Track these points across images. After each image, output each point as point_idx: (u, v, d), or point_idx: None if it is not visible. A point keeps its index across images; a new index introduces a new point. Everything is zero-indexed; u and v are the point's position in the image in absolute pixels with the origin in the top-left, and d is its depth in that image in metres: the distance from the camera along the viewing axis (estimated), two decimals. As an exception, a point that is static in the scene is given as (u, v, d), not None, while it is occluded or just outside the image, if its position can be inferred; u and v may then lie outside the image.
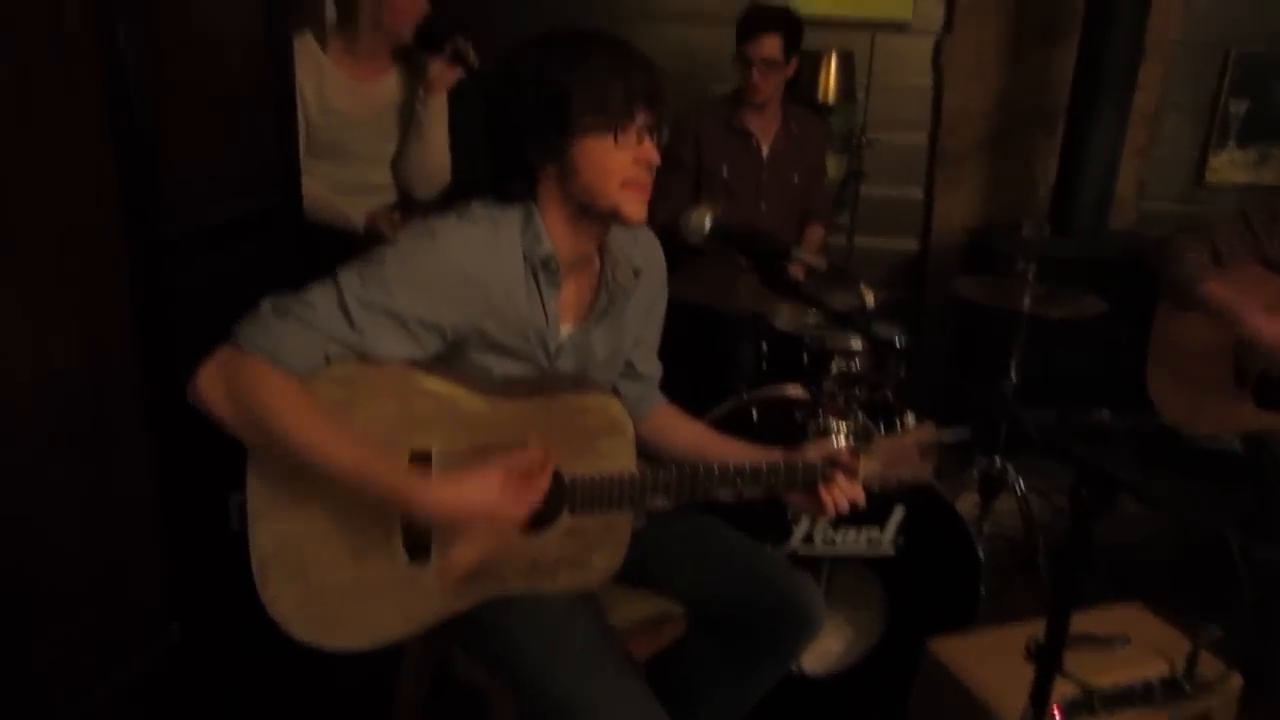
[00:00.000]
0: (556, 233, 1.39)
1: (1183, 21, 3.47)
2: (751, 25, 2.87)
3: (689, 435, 1.66)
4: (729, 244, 1.42)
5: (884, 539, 2.11)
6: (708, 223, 1.42)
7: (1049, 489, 3.15)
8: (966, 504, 2.89)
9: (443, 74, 2.39)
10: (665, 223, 2.77)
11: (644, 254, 1.56)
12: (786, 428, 2.26)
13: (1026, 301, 2.54)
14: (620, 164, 1.35)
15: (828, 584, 2.16)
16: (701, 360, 2.73)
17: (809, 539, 2.09)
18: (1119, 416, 3.30)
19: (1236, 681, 1.82)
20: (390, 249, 1.33)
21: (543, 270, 1.39)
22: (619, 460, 1.41)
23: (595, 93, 1.31)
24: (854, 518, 2.04)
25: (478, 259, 1.34)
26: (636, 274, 1.52)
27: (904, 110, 3.61)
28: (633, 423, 1.45)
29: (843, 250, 3.65)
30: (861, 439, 2.17)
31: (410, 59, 2.44)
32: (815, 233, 3.22)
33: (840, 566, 2.14)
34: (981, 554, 2.15)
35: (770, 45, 2.86)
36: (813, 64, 3.33)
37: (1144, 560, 2.94)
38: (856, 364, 2.26)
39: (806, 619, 1.58)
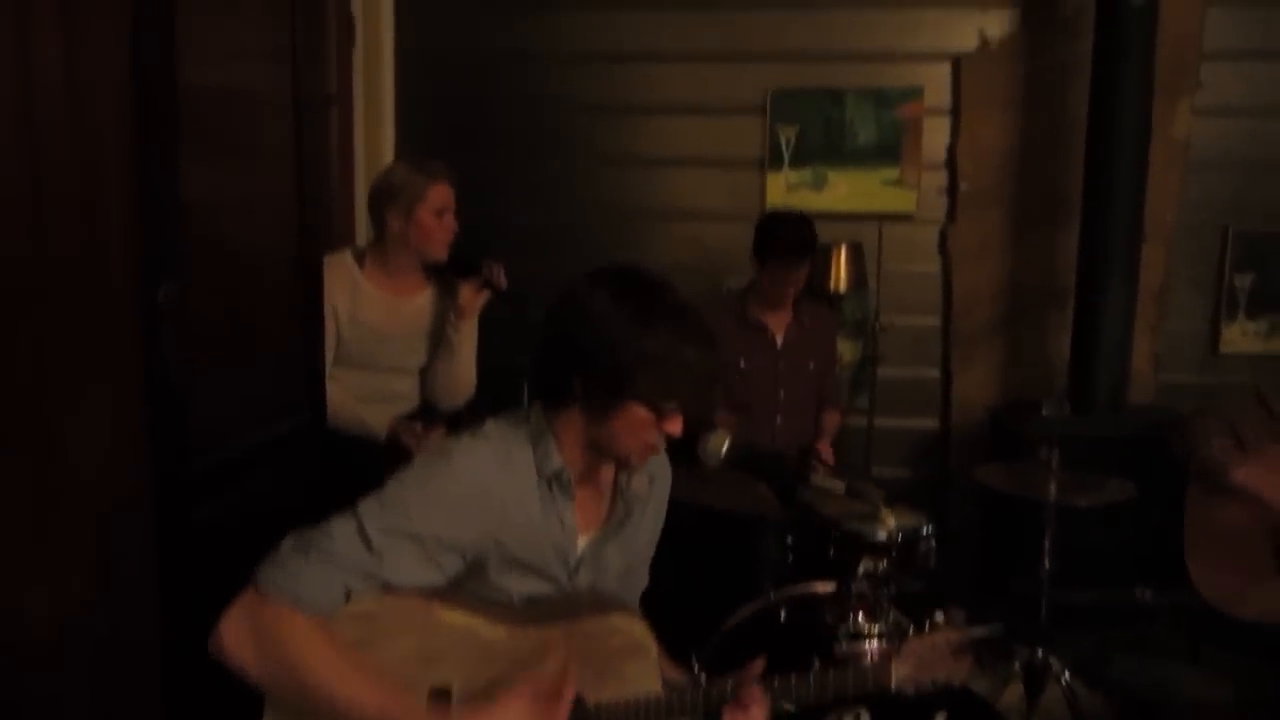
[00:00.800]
0: (568, 452, 1.42)
1: (1179, 203, 3.59)
2: (783, 249, 2.96)
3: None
4: (746, 468, 1.43)
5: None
6: (724, 448, 1.44)
7: (1098, 668, 3.04)
8: (1013, 696, 2.78)
9: (473, 300, 2.48)
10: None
11: (656, 460, 1.56)
12: (817, 628, 2.20)
13: (1052, 490, 2.51)
14: (652, 436, 1.38)
15: None
16: (724, 557, 2.69)
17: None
18: (1160, 594, 3.20)
19: None
20: (408, 473, 1.36)
21: (555, 483, 1.41)
22: (644, 683, 1.39)
23: (662, 377, 1.32)
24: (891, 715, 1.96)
25: (491, 474, 1.36)
26: (651, 480, 1.53)
27: (915, 295, 3.70)
28: None
29: (864, 433, 3.66)
30: (894, 639, 2.12)
31: (445, 277, 2.54)
32: (833, 419, 3.28)
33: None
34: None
35: (803, 273, 2.99)
36: (824, 256, 3.45)
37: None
38: (885, 561, 2.22)
39: None
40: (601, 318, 1.33)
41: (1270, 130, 3.58)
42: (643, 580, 1.66)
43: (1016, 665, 2.75)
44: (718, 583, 2.63)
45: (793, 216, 3.08)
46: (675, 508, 1.68)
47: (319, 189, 1.94)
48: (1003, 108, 3.59)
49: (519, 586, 1.41)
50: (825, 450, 3.13)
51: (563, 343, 1.38)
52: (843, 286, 3.48)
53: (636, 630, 1.41)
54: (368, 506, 1.31)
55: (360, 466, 1.35)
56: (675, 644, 2.08)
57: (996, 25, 3.57)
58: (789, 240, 2.96)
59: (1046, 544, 2.63)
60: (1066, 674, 2.70)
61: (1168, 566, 2.60)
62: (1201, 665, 3.12)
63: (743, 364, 3.07)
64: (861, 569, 2.17)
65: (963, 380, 3.71)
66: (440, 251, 2.44)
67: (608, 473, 1.51)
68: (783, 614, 2.33)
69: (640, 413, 1.35)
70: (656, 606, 1.68)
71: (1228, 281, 3.61)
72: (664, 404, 1.35)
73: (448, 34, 3.73)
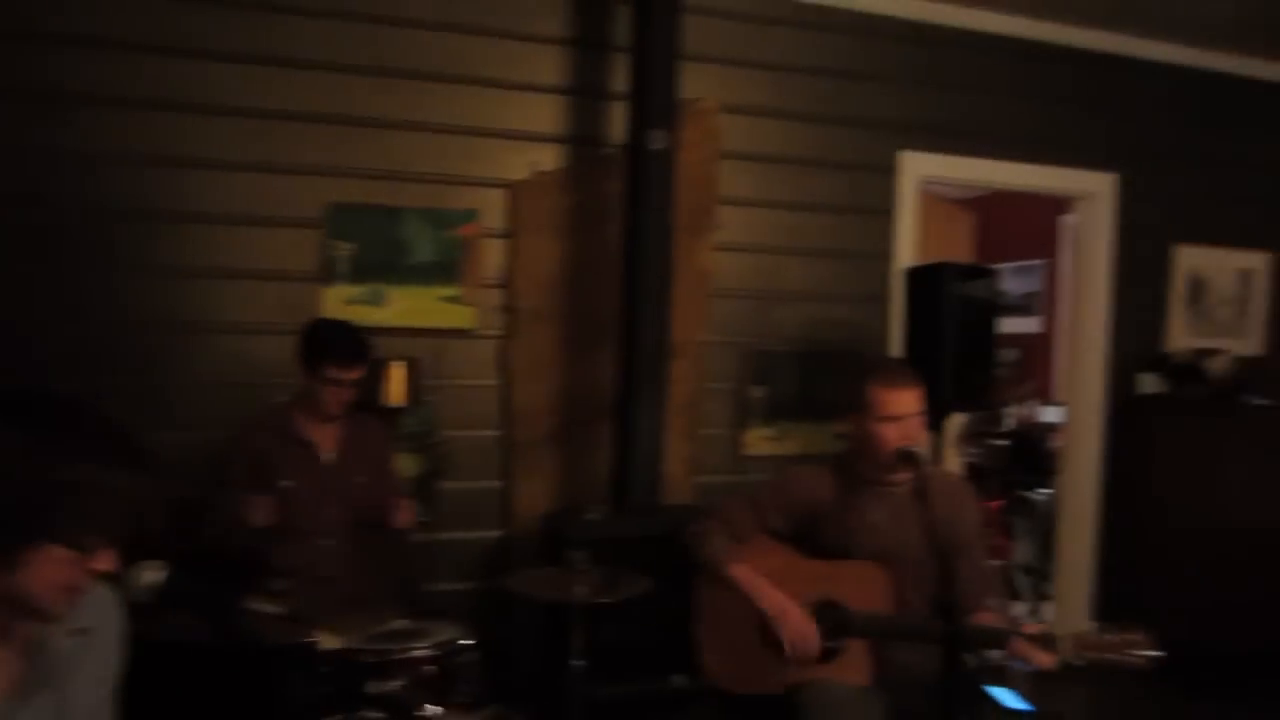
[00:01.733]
0: None
1: (706, 326, 4.08)
2: (333, 352, 2.91)
3: None
4: (183, 605, 1.34)
5: None
6: (151, 579, 1.34)
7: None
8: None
9: None
10: (218, 525, 2.57)
11: (95, 611, 1.41)
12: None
13: (580, 591, 2.66)
14: (76, 575, 1.25)
15: None
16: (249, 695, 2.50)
17: None
18: (694, 679, 3.49)
19: None
20: None
21: None
22: None
23: (83, 509, 1.21)
24: None
25: None
26: (86, 632, 1.37)
27: (475, 408, 3.81)
28: None
29: (427, 548, 3.66)
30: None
31: None
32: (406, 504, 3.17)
33: None
34: None
35: (354, 378, 2.94)
36: (377, 370, 3.45)
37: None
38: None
39: None
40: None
41: (775, 265, 4.23)
42: None
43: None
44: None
45: (342, 323, 3.07)
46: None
47: None
48: (554, 234, 3.88)
49: None
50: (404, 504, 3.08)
51: None
52: (398, 400, 3.49)
53: None
54: None
55: None
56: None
57: (547, 158, 3.88)
58: (339, 343, 2.94)
59: (579, 643, 2.77)
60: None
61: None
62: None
63: (284, 482, 2.95)
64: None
65: (522, 490, 3.85)
66: None
67: (22, 629, 1.33)
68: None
69: (58, 553, 1.22)
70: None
71: (747, 393, 4.16)
72: (87, 539, 1.23)
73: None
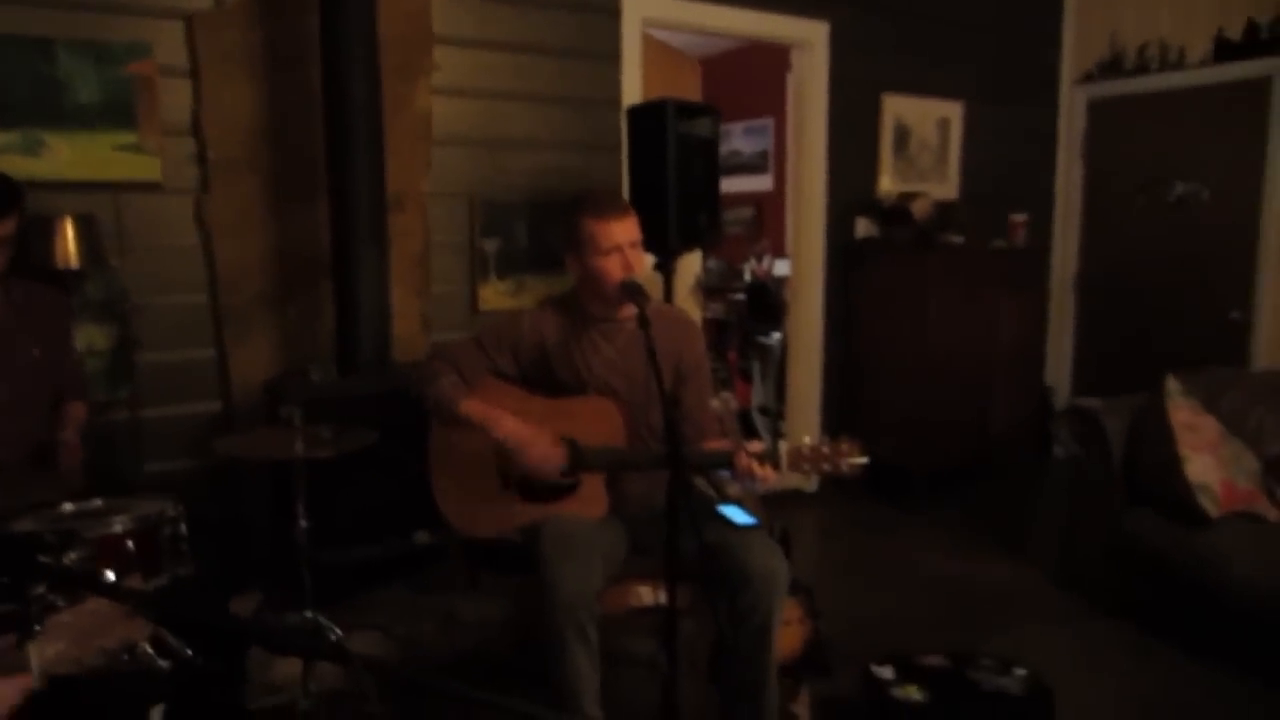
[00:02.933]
0: None
1: (430, 175, 3.85)
2: None
3: None
4: None
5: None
6: None
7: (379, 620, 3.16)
8: (293, 667, 2.73)
9: None
10: None
11: None
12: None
13: (299, 447, 2.49)
14: None
15: None
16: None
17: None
18: (437, 534, 3.45)
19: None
20: None
21: None
22: None
23: None
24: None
25: None
26: None
27: (174, 271, 3.42)
28: None
29: (128, 427, 3.30)
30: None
31: None
32: (76, 411, 2.84)
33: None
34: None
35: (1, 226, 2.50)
36: (45, 229, 2.99)
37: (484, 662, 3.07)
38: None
39: None
40: None
41: (500, 111, 4.04)
42: None
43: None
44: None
45: None
46: None
47: None
48: (248, 74, 3.47)
49: None
50: (71, 439, 2.72)
51: None
52: (74, 262, 3.04)
53: None
54: None
55: None
56: None
57: (234, -13, 3.44)
58: None
59: (301, 505, 2.62)
60: (336, 632, 2.74)
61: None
62: (480, 590, 3.45)
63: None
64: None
65: (239, 357, 3.54)
66: None
67: None
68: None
69: None
70: None
71: (478, 246, 4.00)
72: None
73: None
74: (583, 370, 2.57)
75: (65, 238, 3.02)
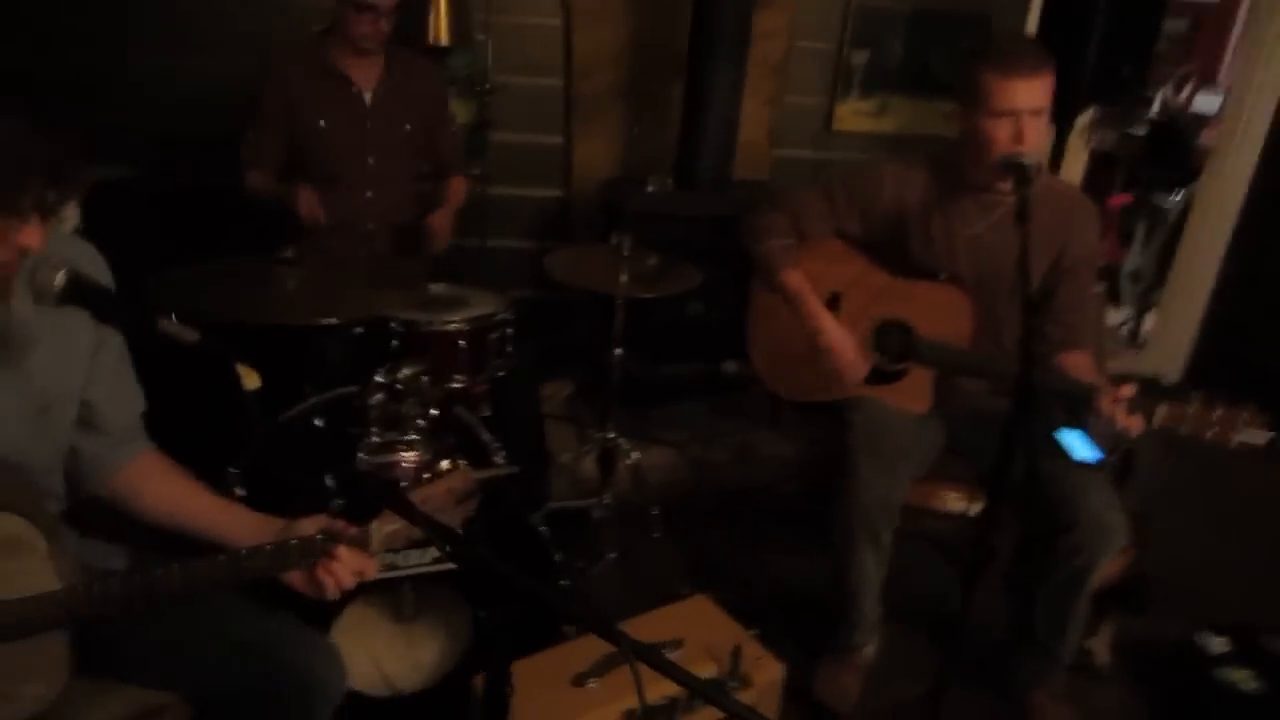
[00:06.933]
0: None
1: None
2: None
3: (168, 496, 1.44)
4: (88, 305, 1.14)
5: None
6: (59, 280, 1.14)
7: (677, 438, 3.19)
8: (590, 469, 2.84)
9: None
10: (258, 190, 2.50)
11: (86, 266, 1.27)
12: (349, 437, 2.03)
13: (623, 281, 2.42)
14: None
15: (416, 597, 2.03)
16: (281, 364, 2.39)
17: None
18: (747, 366, 3.36)
19: (776, 672, 1.91)
20: None
21: None
22: (34, 580, 1.18)
23: None
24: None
25: None
26: (47, 306, 1.20)
27: (535, 51, 3.36)
28: (94, 483, 1.39)
29: (478, 201, 3.41)
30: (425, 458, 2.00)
31: None
32: (457, 188, 2.88)
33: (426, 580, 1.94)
34: (557, 558, 2.06)
35: (385, 10, 2.52)
36: (420, 2, 2.99)
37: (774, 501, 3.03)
38: (410, 370, 2.02)
39: (323, 692, 1.41)
40: None
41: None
42: (124, 417, 1.44)
43: (592, 446, 2.82)
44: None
45: None
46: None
47: None
48: None
49: None
50: (440, 224, 2.79)
51: None
52: (444, 38, 3.05)
53: (13, 526, 1.18)
54: None
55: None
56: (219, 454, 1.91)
57: None
58: None
59: (615, 328, 2.59)
60: (633, 455, 2.78)
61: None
62: (781, 427, 3.38)
63: (322, 123, 2.64)
64: (379, 377, 1.97)
65: (583, 149, 3.50)
66: None
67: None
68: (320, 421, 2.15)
69: None
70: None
71: (846, 57, 3.58)
72: None
73: None
74: (940, 243, 2.23)
75: (441, 11, 3.01)
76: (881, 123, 3.64)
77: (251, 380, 1.12)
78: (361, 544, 1.32)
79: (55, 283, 1.16)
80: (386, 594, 2.01)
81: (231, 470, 1.95)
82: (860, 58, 3.58)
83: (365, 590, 1.80)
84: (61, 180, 1.15)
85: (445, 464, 1.94)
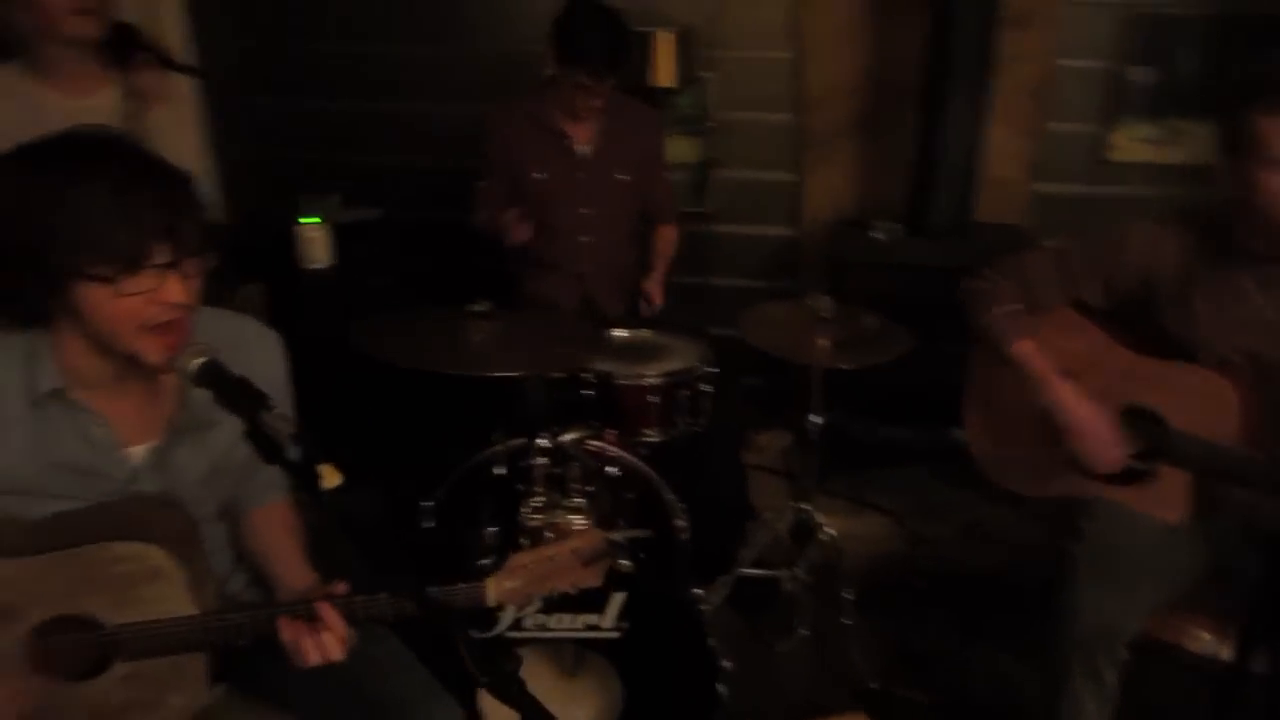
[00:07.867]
0: (77, 361, 1.25)
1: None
2: (583, 58, 2.45)
3: (265, 541, 1.53)
4: (219, 391, 1.18)
5: (604, 623, 1.91)
6: (194, 365, 1.21)
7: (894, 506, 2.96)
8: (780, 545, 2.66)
9: (148, 83, 2.09)
10: (481, 226, 2.60)
11: (254, 353, 1.41)
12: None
13: (821, 347, 2.22)
14: (130, 311, 1.18)
15: (576, 660, 2.03)
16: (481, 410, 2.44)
17: (519, 624, 1.89)
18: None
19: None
20: None
21: (58, 403, 1.24)
22: (169, 605, 1.27)
23: (89, 236, 1.13)
24: (568, 602, 1.85)
25: None
26: (191, 380, 1.27)
27: (763, 86, 3.21)
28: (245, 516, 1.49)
29: (704, 238, 3.33)
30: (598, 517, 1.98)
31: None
32: (666, 237, 2.87)
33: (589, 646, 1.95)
34: (712, 641, 1.93)
35: (606, 88, 2.51)
36: (643, 44, 2.94)
37: (1004, 593, 2.69)
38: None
39: None
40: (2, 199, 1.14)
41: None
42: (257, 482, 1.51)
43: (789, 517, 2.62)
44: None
45: (602, 8, 2.46)
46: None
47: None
48: None
49: (37, 508, 1.26)
50: (653, 290, 2.77)
51: None
52: (668, 80, 2.97)
53: (153, 558, 1.27)
54: None
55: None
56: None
57: None
58: (593, 48, 2.43)
59: (813, 398, 2.38)
60: (826, 530, 2.55)
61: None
62: (1020, 505, 2.99)
63: (536, 175, 2.68)
64: (541, 440, 1.96)
65: (814, 185, 3.30)
66: (80, 27, 1.99)
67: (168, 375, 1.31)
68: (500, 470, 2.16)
69: (94, 292, 1.16)
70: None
71: (1123, 75, 3.10)
72: (108, 268, 1.14)
73: None
74: (1205, 320, 1.85)
75: (662, 53, 2.94)
76: (1171, 152, 3.11)
77: (332, 479, 1.11)
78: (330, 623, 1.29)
79: (190, 367, 1.21)
80: (551, 647, 2.01)
81: (423, 504, 2.08)
82: (1141, 75, 3.08)
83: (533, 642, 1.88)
84: (180, 236, 1.19)
85: (580, 523, 1.95)
